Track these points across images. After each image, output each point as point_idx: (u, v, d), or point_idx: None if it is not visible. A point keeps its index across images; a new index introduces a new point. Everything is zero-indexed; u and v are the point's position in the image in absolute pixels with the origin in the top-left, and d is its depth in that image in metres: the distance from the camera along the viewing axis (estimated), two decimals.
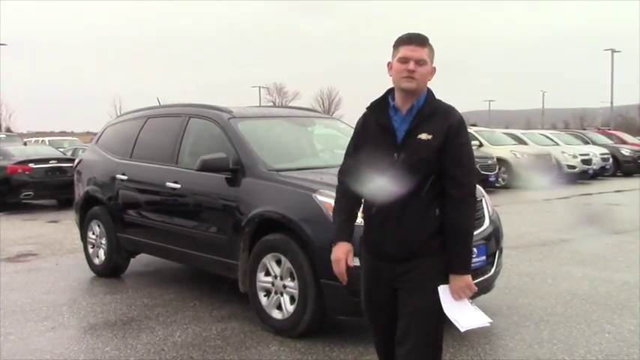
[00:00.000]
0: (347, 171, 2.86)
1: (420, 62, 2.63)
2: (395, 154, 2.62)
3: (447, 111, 2.68)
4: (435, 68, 2.72)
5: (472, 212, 2.68)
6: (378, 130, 2.71)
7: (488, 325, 2.69)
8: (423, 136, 2.61)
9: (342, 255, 2.78)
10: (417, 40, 2.65)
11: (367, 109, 2.82)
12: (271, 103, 62.48)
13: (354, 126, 2.95)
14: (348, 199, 2.85)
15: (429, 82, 2.72)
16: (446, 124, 2.62)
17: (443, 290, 2.65)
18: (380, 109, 2.75)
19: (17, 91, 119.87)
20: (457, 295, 2.64)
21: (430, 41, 2.70)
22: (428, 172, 2.61)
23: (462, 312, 2.64)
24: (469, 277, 2.65)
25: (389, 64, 2.72)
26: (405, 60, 2.63)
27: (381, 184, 2.61)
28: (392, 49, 2.71)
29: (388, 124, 2.69)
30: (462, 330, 2.63)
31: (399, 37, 2.69)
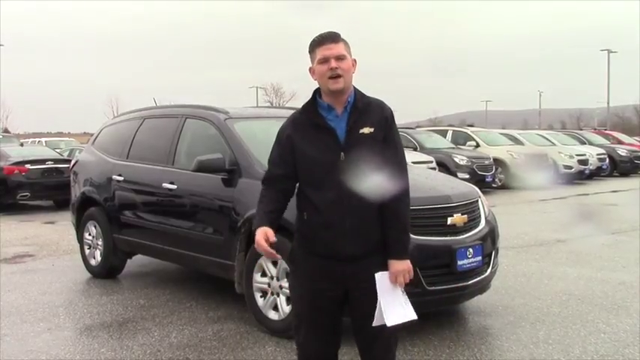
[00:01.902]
0: (274, 181, 2.80)
1: (339, 57, 2.65)
2: (341, 153, 2.62)
3: (380, 104, 2.75)
4: (355, 60, 2.73)
5: (409, 199, 2.75)
6: (314, 132, 2.68)
7: (414, 320, 2.67)
8: (366, 130, 2.64)
9: (262, 236, 2.66)
10: (329, 38, 2.68)
11: (296, 112, 2.82)
12: (268, 104, 62.44)
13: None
14: (270, 195, 2.79)
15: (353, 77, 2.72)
16: (383, 116, 2.70)
17: (380, 277, 2.66)
18: (311, 110, 2.73)
19: (14, 92, 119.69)
20: (396, 280, 2.66)
21: (342, 36, 2.71)
22: (374, 166, 2.62)
23: (394, 304, 2.65)
24: (409, 262, 2.70)
25: (310, 69, 2.74)
26: (324, 60, 2.65)
27: (334, 186, 2.60)
28: (308, 55, 2.73)
29: (325, 124, 2.68)
30: (388, 325, 2.62)
31: (312, 41, 2.72)
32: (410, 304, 2.69)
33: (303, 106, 2.79)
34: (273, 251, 2.71)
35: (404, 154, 2.80)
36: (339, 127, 2.66)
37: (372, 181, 2.61)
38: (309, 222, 2.71)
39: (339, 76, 2.63)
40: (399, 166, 2.71)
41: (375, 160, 2.63)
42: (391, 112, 2.75)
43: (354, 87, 2.74)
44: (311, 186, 2.68)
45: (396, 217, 2.69)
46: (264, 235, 2.68)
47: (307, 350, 2.84)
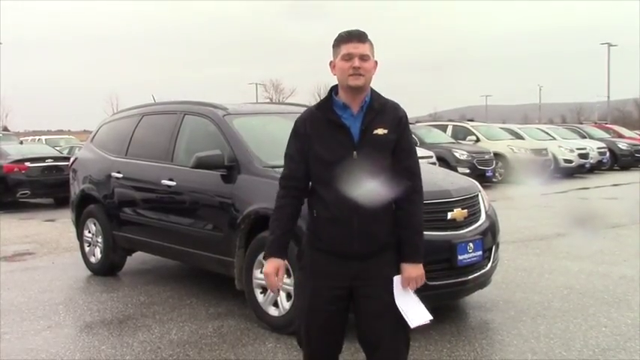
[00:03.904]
0: (292, 177, 2.78)
1: (363, 57, 2.65)
2: (354, 152, 2.63)
3: (394, 105, 2.76)
4: (376, 62, 2.74)
5: (423, 202, 2.77)
6: (328, 129, 2.68)
7: (430, 322, 2.71)
8: (380, 130, 2.66)
9: (273, 270, 2.74)
10: (357, 36, 2.68)
11: (312, 107, 2.82)
12: (268, 100, 62.39)
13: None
14: (289, 208, 2.79)
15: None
16: (397, 118, 2.71)
17: (397, 281, 2.69)
18: (326, 107, 2.73)
19: (14, 90, 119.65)
20: (409, 284, 2.69)
21: (369, 36, 2.71)
22: (385, 166, 2.65)
23: (411, 306, 2.68)
24: (421, 267, 2.73)
25: (331, 63, 2.73)
26: (348, 57, 2.64)
27: (344, 185, 2.60)
28: (332, 48, 2.72)
29: (340, 121, 2.68)
30: (412, 327, 2.68)
31: (339, 36, 2.71)
32: (422, 305, 2.72)
33: (319, 103, 2.80)
34: (277, 290, 2.76)
35: (416, 156, 2.80)
36: (354, 126, 2.66)
37: (382, 182, 2.62)
38: (317, 219, 2.72)
39: (360, 75, 2.64)
40: (412, 168, 2.74)
41: (387, 160, 2.66)
42: (405, 114, 2.76)
43: (371, 87, 2.75)
44: (321, 183, 2.69)
45: (410, 221, 2.71)
46: (275, 269, 2.74)
47: (311, 348, 2.83)
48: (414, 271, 2.69)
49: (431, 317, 2.71)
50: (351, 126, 2.67)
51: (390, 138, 2.67)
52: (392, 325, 2.69)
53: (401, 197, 2.69)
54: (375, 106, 2.69)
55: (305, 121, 2.76)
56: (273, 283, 2.77)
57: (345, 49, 2.65)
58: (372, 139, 2.64)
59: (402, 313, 2.65)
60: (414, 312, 2.67)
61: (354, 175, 2.60)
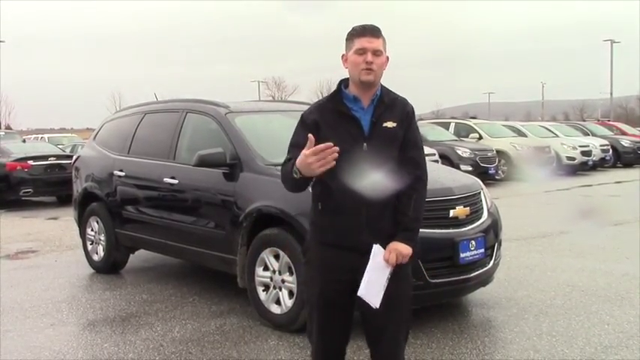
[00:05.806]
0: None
1: (376, 53, 2.67)
2: (364, 144, 2.65)
3: (403, 101, 2.80)
4: (388, 57, 2.77)
5: (426, 192, 2.82)
6: (338, 120, 2.69)
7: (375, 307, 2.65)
8: (389, 124, 2.70)
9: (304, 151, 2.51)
10: (371, 31, 2.69)
11: (322, 99, 2.85)
12: (270, 98, 62.38)
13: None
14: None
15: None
16: (405, 112, 2.76)
17: (376, 250, 2.64)
18: (337, 99, 2.75)
19: (17, 89, 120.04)
20: (390, 255, 2.63)
21: (382, 32, 2.73)
22: (394, 159, 2.69)
23: (374, 283, 2.62)
24: (410, 249, 2.71)
25: (343, 56, 2.75)
26: (362, 51, 2.66)
27: (354, 175, 2.61)
28: (345, 41, 2.74)
29: (350, 113, 2.70)
30: (358, 294, 2.62)
31: (353, 29, 2.72)
32: (382, 295, 2.64)
33: (330, 95, 2.81)
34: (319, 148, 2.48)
35: (422, 147, 2.85)
36: (364, 119, 2.70)
37: (390, 174, 2.65)
38: (324, 211, 2.73)
39: (371, 70, 2.66)
40: (417, 158, 2.77)
41: (395, 153, 2.70)
42: (412, 108, 2.81)
43: (381, 83, 2.78)
44: (330, 174, 2.64)
45: (411, 207, 2.72)
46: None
47: (319, 341, 2.85)
48: (403, 247, 2.67)
49: (377, 306, 2.63)
50: (361, 118, 2.69)
51: (398, 132, 2.70)
52: (395, 318, 2.71)
53: (406, 187, 2.71)
54: (385, 100, 2.73)
55: (313, 113, 2.77)
56: (312, 152, 2.48)
57: (359, 43, 2.67)
58: (382, 131, 2.68)
59: (364, 278, 2.61)
60: (372, 288, 2.62)
61: (364, 166, 2.62)
